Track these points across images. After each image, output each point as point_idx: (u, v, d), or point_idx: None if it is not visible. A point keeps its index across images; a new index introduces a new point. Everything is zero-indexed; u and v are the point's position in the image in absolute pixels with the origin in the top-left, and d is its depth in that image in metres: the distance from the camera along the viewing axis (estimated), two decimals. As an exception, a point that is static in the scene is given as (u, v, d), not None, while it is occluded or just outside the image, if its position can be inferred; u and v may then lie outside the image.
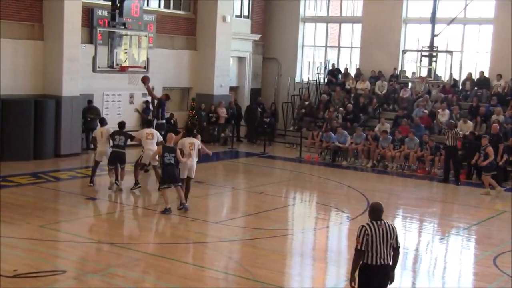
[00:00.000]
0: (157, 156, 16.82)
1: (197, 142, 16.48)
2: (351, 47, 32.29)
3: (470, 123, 24.33)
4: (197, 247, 13.53)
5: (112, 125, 19.13)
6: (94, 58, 18.73)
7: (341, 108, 28.08)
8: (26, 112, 22.09)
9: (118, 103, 26.06)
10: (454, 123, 22.83)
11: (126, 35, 20.00)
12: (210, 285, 11.38)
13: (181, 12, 29.03)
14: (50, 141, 22.74)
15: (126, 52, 19.87)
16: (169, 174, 15.84)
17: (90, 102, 24.27)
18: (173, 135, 16.64)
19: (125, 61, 19.69)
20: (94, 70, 19.05)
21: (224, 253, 13.25)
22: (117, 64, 19.33)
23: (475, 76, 28.05)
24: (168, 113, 27.81)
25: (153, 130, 18.84)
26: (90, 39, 23.91)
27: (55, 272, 11.37)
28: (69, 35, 22.90)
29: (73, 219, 15.40)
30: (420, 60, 24.41)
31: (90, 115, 23.95)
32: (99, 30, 20.65)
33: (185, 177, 16.24)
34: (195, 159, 16.41)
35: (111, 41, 19.31)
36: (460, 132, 22.74)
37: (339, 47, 32.80)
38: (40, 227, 14.14)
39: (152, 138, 18.41)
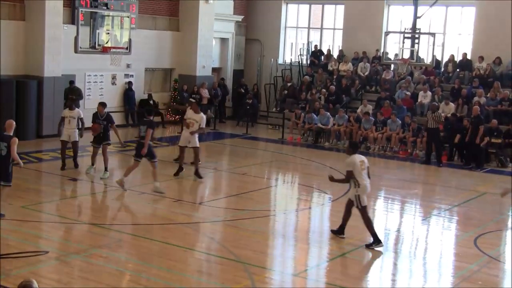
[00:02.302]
0: None
1: (366, 159, 13.15)
2: (334, 29, 32.24)
3: (452, 104, 24.46)
4: (180, 228, 13.54)
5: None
6: (76, 39, 18.66)
7: (323, 90, 28.11)
8: (7, 93, 21.95)
9: (100, 83, 25.95)
10: (436, 106, 22.93)
11: (108, 15, 19.95)
12: (193, 266, 11.43)
13: (163, -8, 28.90)
14: (32, 122, 22.64)
15: (108, 33, 19.82)
16: None
17: (72, 82, 24.14)
18: (13, 122, 13.65)
19: (107, 41, 19.64)
20: (76, 51, 18.99)
21: (207, 234, 13.30)
22: (99, 45, 19.28)
23: (457, 58, 28.13)
24: (146, 93, 27.81)
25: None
26: (72, 19, 23.74)
27: (38, 253, 11.36)
28: (51, 15, 22.71)
29: (56, 200, 15.38)
30: (403, 42, 24.49)
31: (72, 96, 23.82)
32: (81, 11, 20.59)
33: (365, 204, 12.89)
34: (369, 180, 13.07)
35: (93, 22, 19.26)
36: (442, 114, 22.87)
37: (321, 28, 32.73)
38: (22, 207, 14.11)
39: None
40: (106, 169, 17.82)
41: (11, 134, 13.28)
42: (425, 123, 22.67)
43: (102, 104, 18.17)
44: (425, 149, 22.49)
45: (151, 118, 16.66)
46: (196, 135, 18.01)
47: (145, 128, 15.89)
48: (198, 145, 18.09)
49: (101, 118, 17.83)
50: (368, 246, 12.58)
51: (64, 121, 18.16)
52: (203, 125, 18.20)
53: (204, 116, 18.37)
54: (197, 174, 17.84)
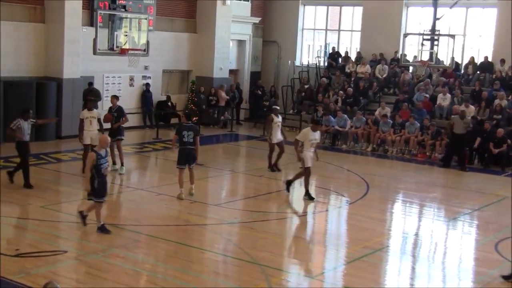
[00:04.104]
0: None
1: None
2: (352, 31, 32.16)
3: (472, 107, 24.22)
4: (197, 229, 13.56)
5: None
6: (94, 41, 18.73)
7: (341, 92, 28.00)
8: (27, 94, 22.08)
9: (118, 85, 26.04)
10: (465, 112, 22.54)
11: (126, 17, 20.02)
12: (210, 267, 11.42)
13: (181, -6, 28.94)
14: (51, 123, 22.72)
15: (126, 35, 19.88)
16: None
17: (90, 84, 24.24)
18: (103, 137, 13.31)
19: (125, 43, 19.69)
20: (94, 53, 19.06)
21: (224, 236, 13.28)
22: (117, 47, 19.33)
23: (478, 60, 27.87)
24: (164, 95, 27.89)
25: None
26: (90, 21, 23.83)
27: (56, 252, 11.43)
28: (70, 17, 22.86)
29: (74, 200, 15.40)
30: (422, 44, 24.34)
31: (91, 97, 23.87)
32: (100, 13, 20.62)
33: None
34: None
35: (112, 24, 19.32)
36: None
37: (339, 30, 32.67)
38: (42, 207, 14.18)
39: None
40: (122, 164, 18.12)
41: (95, 149, 12.92)
42: (447, 126, 22.35)
43: (115, 97, 18.65)
44: (445, 152, 22.29)
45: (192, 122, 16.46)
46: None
47: (192, 134, 15.51)
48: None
49: (113, 110, 18.23)
50: (507, 279, 11.19)
51: (85, 123, 17.80)
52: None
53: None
54: (309, 195, 16.59)
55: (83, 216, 12.98)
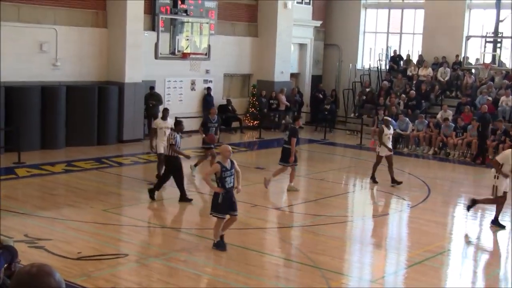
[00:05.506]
0: None
1: None
2: (413, 33, 31.85)
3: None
4: (257, 233, 13.60)
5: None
6: (156, 45, 18.95)
7: (403, 95, 27.76)
8: (90, 98, 22.49)
9: (180, 89, 26.30)
10: None
11: (188, 22, 20.20)
12: (271, 271, 11.45)
13: (242, -2, 29.10)
14: (113, 127, 23.11)
15: (187, 39, 20.07)
16: None
17: (152, 88, 24.54)
18: (224, 147, 12.10)
19: (186, 48, 19.88)
20: (156, 57, 19.28)
21: (285, 239, 13.31)
22: (179, 51, 19.52)
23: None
24: (225, 99, 28.04)
25: None
26: (152, 26, 24.19)
27: (118, 255, 11.62)
28: (132, 22, 23.18)
29: (136, 203, 15.64)
30: (484, 46, 23.95)
31: (152, 101, 24.21)
32: (161, 17, 20.91)
33: None
34: None
35: (173, 28, 19.53)
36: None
37: (401, 33, 32.38)
38: (104, 211, 14.41)
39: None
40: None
41: (221, 161, 11.94)
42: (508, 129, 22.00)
43: (215, 108, 19.26)
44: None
45: (297, 124, 17.50)
46: None
47: (288, 135, 16.96)
48: None
49: (213, 122, 18.46)
50: None
51: (159, 133, 17.21)
52: None
53: None
54: (497, 223, 14.69)
55: (218, 244, 12.12)
